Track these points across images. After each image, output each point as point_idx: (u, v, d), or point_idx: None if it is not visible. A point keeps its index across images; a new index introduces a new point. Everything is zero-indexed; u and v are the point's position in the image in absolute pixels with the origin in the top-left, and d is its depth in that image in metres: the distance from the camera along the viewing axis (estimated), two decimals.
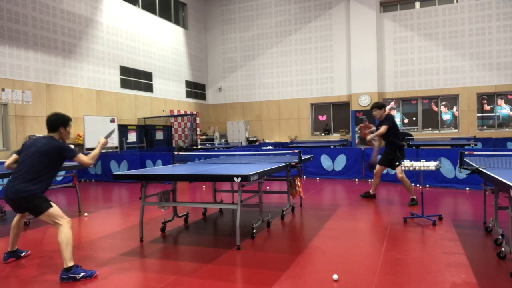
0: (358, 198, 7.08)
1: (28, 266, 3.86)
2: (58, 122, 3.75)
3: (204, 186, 9.47)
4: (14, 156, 3.85)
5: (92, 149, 11.80)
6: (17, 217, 4.00)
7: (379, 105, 6.57)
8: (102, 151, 12.51)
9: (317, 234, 4.74)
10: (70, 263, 3.43)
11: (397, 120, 16.28)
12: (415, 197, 6.36)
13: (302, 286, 3.19)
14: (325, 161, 10.07)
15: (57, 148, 3.62)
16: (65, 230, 3.50)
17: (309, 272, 3.47)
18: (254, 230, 4.69)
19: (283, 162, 5.48)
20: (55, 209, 3.57)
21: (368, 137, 6.71)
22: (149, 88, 15.23)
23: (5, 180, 7.29)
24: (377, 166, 6.78)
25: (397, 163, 6.30)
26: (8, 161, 3.88)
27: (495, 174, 3.62)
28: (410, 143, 10.60)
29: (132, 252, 4.24)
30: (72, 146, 3.84)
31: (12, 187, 3.51)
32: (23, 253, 4.14)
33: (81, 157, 3.71)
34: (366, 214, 5.80)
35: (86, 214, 6.53)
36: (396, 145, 6.42)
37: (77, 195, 6.65)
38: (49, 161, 3.60)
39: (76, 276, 3.41)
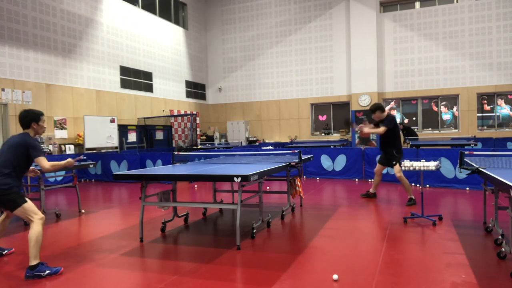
0: (358, 198, 7.08)
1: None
2: (28, 118, 3.84)
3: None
4: None
5: (92, 149, 11.81)
6: (2, 216, 4.05)
7: (381, 108, 6.56)
8: (103, 151, 12.44)
9: (317, 234, 4.74)
10: (35, 261, 3.51)
11: (397, 120, 16.25)
12: (413, 197, 6.38)
13: (302, 286, 3.19)
14: (325, 161, 10.07)
15: (26, 144, 3.71)
16: (37, 228, 3.58)
17: (309, 272, 3.47)
18: (254, 230, 4.69)
19: (283, 162, 5.48)
20: (29, 205, 3.67)
21: (366, 130, 6.64)
22: (149, 88, 15.23)
23: None
24: (377, 165, 6.84)
25: (395, 162, 6.35)
26: None
27: (495, 174, 3.62)
28: (410, 144, 10.60)
29: (132, 252, 4.24)
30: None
31: None
32: (5, 251, 4.21)
33: (42, 160, 3.71)
34: (366, 214, 5.80)
35: (83, 211, 6.64)
36: (395, 145, 6.43)
37: (77, 195, 6.65)
38: (20, 155, 3.70)
39: (41, 273, 3.49)
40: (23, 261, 4.03)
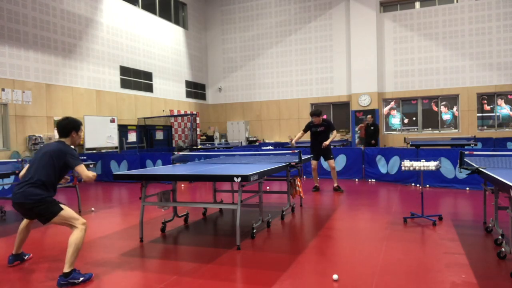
0: (358, 198, 7.08)
1: (33, 270, 3.86)
2: (69, 126, 3.69)
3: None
4: (27, 166, 3.72)
5: (92, 149, 11.81)
6: (24, 221, 3.92)
7: (319, 113, 7.69)
8: (103, 151, 12.47)
9: (317, 234, 4.74)
10: (70, 268, 3.34)
11: (397, 120, 16.30)
12: (318, 185, 8.04)
13: (302, 286, 3.19)
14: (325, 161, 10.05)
15: (64, 152, 3.54)
16: (80, 234, 3.43)
17: (309, 272, 3.47)
18: (254, 230, 4.69)
19: (283, 162, 5.48)
20: (67, 211, 3.50)
21: (328, 142, 7.61)
22: (149, 88, 15.23)
23: (5, 180, 7.30)
24: (314, 162, 7.93)
25: (332, 157, 7.84)
26: (21, 172, 3.77)
27: (495, 174, 3.61)
28: (410, 144, 10.58)
29: (132, 252, 4.24)
30: (72, 146, 3.78)
31: (19, 191, 3.43)
32: (26, 256, 4.09)
33: (83, 168, 3.53)
34: (366, 214, 5.80)
35: (93, 209, 6.70)
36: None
37: (77, 195, 6.65)
38: (56, 164, 3.51)
39: (75, 281, 3.33)
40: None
